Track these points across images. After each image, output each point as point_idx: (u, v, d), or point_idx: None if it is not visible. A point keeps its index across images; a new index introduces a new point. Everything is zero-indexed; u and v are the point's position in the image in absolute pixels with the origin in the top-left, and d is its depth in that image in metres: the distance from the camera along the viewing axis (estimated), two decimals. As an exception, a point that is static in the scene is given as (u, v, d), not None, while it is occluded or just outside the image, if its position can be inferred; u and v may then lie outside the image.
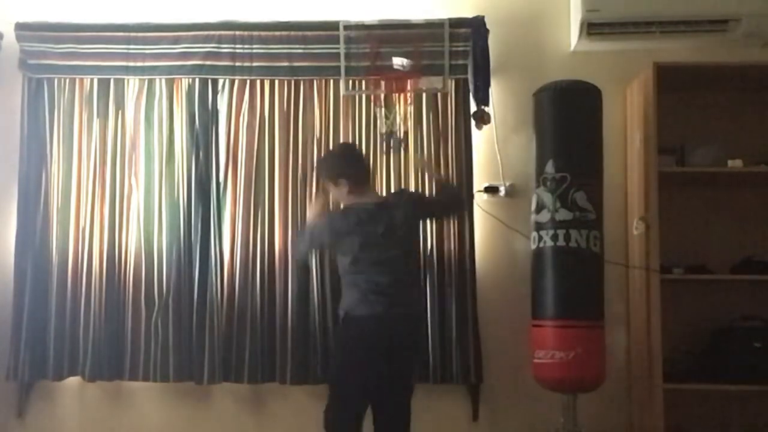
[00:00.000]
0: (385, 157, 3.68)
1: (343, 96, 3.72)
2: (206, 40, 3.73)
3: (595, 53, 3.74)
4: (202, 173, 3.70)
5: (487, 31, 3.66)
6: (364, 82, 3.72)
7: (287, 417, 3.67)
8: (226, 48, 3.72)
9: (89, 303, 3.65)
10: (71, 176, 3.73)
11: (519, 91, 3.68)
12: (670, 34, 3.61)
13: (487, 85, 3.64)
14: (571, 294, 3.17)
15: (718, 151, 3.48)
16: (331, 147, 3.66)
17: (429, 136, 3.68)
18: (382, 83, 3.68)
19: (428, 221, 3.57)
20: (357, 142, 3.69)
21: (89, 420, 3.74)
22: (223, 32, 3.73)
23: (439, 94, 3.69)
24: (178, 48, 3.73)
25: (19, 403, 3.72)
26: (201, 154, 3.70)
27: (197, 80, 3.73)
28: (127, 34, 3.75)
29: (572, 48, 3.77)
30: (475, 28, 3.66)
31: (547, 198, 3.22)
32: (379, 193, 3.46)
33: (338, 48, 3.68)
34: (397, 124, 3.68)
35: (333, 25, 3.69)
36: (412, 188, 3.65)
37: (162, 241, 3.68)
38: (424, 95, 3.69)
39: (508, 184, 3.73)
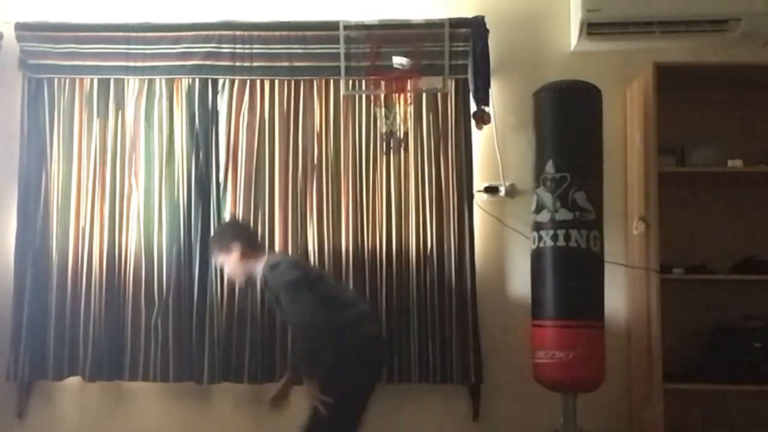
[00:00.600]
0: (385, 157, 3.68)
1: (343, 96, 3.72)
2: (206, 40, 3.73)
3: (595, 53, 3.74)
4: (202, 173, 3.70)
5: (487, 31, 3.66)
6: (364, 82, 3.72)
7: (287, 417, 3.67)
8: (226, 48, 3.72)
9: (89, 303, 3.65)
10: (71, 176, 3.73)
11: (519, 91, 3.68)
12: (670, 34, 3.62)
13: (487, 85, 3.64)
14: (571, 294, 3.17)
15: (718, 151, 3.48)
16: (325, 151, 3.67)
17: (429, 136, 3.68)
18: (382, 83, 3.68)
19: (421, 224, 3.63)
20: (357, 142, 3.70)
21: (89, 420, 3.74)
22: (223, 32, 3.73)
23: (439, 94, 3.69)
24: (178, 48, 3.73)
25: (19, 403, 3.72)
26: (201, 154, 3.71)
27: (197, 80, 3.73)
28: (127, 34, 3.75)
29: (572, 48, 3.77)
30: (475, 28, 3.66)
31: (547, 198, 3.22)
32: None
33: (338, 48, 3.68)
34: (397, 124, 3.68)
35: (333, 25, 3.69)
36: (412, 189, 3.65)
37: (162, 241, 3.68)
38: (424, 95, 3.70)
39: (508, 184, 3.73)
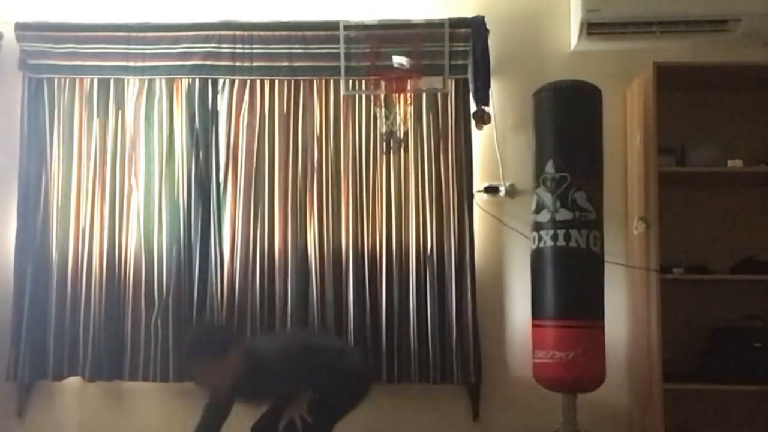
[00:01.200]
0: (385, 157, 3.68)
1: (343, 96, 3.72)
2: (206, 40, 3.73)
3: (595, 53, 3.74)
4: (202, 173, 3.70)
5: (487, 31, 3.66)
6: (364, 82, 3.72)
7: (287, 417, 3.67)
8: (226, 48, 3.72)
9: (89, 303, 3.65)
10: (71, 176, 3.73)
11: (519, 91, 3.69)
12: (670, 34, 3.61)
13: (487, 85, 3.64)
14: (571, 294, 3.17)
15: (718, 151, 3.48)
16: (325, 151, 3.68)
17: (429, 136, 3.68)
18: (382, 83, 3.68)
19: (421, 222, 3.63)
20: (357, 142, 3.70)
21: (89, 420, 3.74)
22: (223, 32, 3.73)
23: (439, 94, 3.69)
24: (178, 48, 3.73)
25: (19, 403, 3.72)
26: (201, 154, 3.70)
27: (197, 80, 3.73)
28: (127, 34, 3.75)
29: (572, 48, 3.77)
30: (475, 28, 3.66)
31: (547, 198, 3.22)
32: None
33: (338, 48, 3.68)
34: (397, 124, 3.68)
35: (333, 25, 3.69)
36: (412, 189, 3.66)
37: (162, 241, 3.68)
38: (424, 95, 3.69)
39: (508, 184, 3.73)
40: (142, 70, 3.74)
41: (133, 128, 3.75)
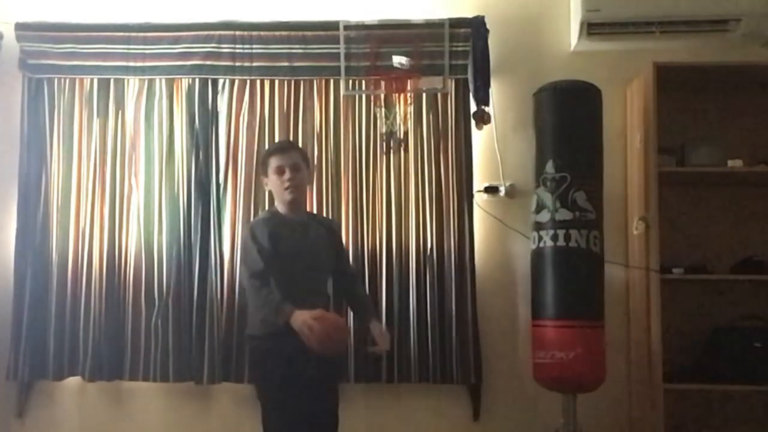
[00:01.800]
0: (385, 157, 3.68)
1: (343, 96, 3.72)
2: (206, 40, 3.73)
3: (595, 53, 3.74)
4: (202, 173, 3.70)
5: (487, 31, 3.66)
6: (364, 82, 3.72)
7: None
8: (226, 48, 3.72)
9: (89, 303, 3.65)
10: (71, 176, 3.73)
11: (519, 91, 3.68)
12: (670, 34, 3.62)
13: (487, 85, 3.64)
14: (571, 294, 3.17)
15: (718, 151, 3.48)
16: (325, 151, 3.66)
17: (429, 136, 3.68)
18: (382, 83, 3.68)
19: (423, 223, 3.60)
20: (357, 142, 3.70)
21: (89, 420, 3.74)
22: (223, 32, 3.73)
23: (439, 94, 3.69)
24: (178, 48, 3.73)
25: (19, 403, 3.72)
26: (201, 154, 3.71)
27: (197, 80, 3.73)
28: (127, 34, 3.75)
29: (572, 48, 3.77)
30: (475, 28, 3.66)
31: (547, 198, 3.22)
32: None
33: (338, 48, 3.68)
34: (397, 124, 3.68)
35: (333, 25, 3.69)
36: (412, 189, 3.66)
37: (162, 241, 3.68)
38: (424, 95, 3.70)
39: (508, 184, 3.73)
40: (142, 70, 3.74)
41: (133, 128, 3.75)
